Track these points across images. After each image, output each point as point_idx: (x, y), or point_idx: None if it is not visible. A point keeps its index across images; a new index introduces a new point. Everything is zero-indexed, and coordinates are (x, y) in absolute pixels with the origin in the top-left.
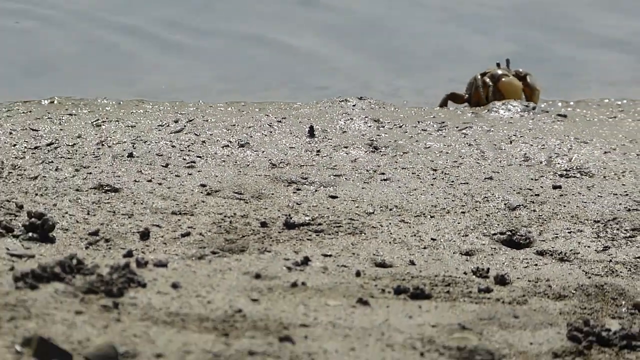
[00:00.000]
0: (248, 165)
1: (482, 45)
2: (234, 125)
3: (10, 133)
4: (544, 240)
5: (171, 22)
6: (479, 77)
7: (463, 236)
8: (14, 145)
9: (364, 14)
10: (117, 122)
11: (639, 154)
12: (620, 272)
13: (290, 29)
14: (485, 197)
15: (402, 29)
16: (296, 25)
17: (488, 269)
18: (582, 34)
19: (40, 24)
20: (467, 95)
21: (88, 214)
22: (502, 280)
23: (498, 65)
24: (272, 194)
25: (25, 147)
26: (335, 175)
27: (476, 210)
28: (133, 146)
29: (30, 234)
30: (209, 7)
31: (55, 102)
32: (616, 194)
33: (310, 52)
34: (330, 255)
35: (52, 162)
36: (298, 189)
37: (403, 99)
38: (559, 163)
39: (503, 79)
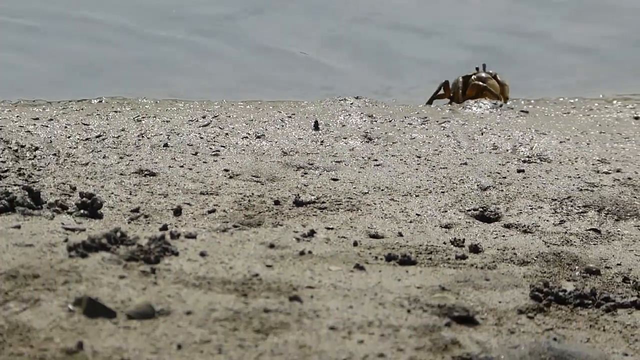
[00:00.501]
0: (263, 153)
1: (457, 53)
2: (252, 120)
3: (65, 127)
4: (510, 216)
5: (200, 33)
6: (460, 79)
7: (443, 212)
8: (69, 137)
9: (360, 28)
10: (154, 118)
11: (589, 143)
12: (574, 242)
13: (299, 40)
14: (461, 179)
15: (391, 39)
16: (304, 37)
17: (464, 239)
18: (542, 42)
19: (90, 34)
20: (452, 94)
21: (130, 194)
22: (475, 249)
23: (477, 69)
24: (284, 177)
25: (77, 138)
26: (336, 162)
27: (453, 190)
28: (168, 138)
29: (81, 211)
30: (231, 21)
31: (103, 101)
32: (570, 177)
33: (316, 59)
34: (332, 228)
35: (100, 151)
36: (305, 173)
37: (392, 98)
38: (522, 151)
39: (489, 80)
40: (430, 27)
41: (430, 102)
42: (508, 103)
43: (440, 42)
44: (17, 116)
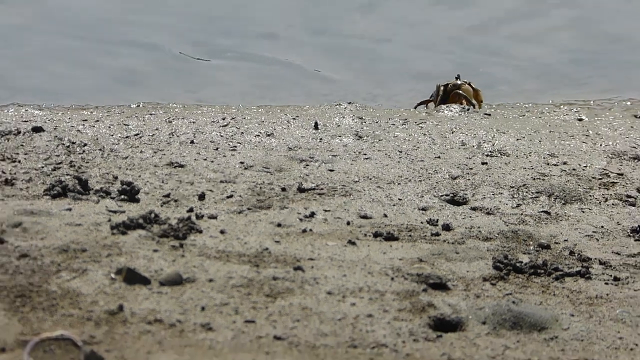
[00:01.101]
0: (272, 148)
1: (432, 64)
2: (263, 121)
3: (109, 127)
4: (475, 200)
5: (222, 48)
6: (442, 87)
7: (420, 197)
8: (112, 135)
9: (354, 44)
10: (182, 119)
11: (540, 140)
12: (529, 222)
13: (302, 54)
14: (435, 170)
15: (378, 55)
16: (306, 51)
17: (437, 219)
18: (503, 58)
19: (130, 50)
20: (432, 99)
21: (162, 182)
22: (447, 228)
23: (456, 78)
24: (289, 168)
25: (119, 136)
26: (332, 156)
27: (429, 179)
28: (193, 136)
29: (122, 196)
30: (247, 38)
31: (140, 105)
32: (525, 168)
33: (315, 70)
34: (329, 211)
35: (137, 147)
36: (307, 165)
37: (379, 103)
38: (485, 147)
39: (463, 86)
40: (411, 44)
41: (416, 107)
42: (476, 107)
43: (419, 57)
44: (69, 118)
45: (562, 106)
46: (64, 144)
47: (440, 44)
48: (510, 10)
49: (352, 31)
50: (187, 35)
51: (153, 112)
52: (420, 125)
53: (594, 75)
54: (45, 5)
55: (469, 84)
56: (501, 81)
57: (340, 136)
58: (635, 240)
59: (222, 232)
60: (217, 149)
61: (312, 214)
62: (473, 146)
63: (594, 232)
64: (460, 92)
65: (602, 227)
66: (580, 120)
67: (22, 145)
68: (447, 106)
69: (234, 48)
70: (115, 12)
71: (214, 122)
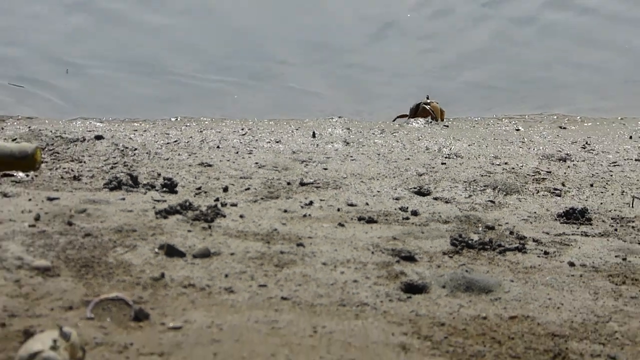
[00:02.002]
0: (280, 152)
1: (401, 89)
2: (273, 131)
3: (154, 135)
4: (437, 192)
5: (243, 74)
6: (415, 104)
7: (394, 190)
8: (156, 142)
9: (347, 72)
10: (210, 130)
11: (487, 145)
12: (478, 208)
13: (305, 79)
14: (405, 169)
15: (364, 80)
16: (307, 76)
17: (407, 207)
18: (457, 81)
19: (168, 77)
20: (409, 114)
21: (195, 178)
22: (415, 213)
23: (426, 97)
24: (293, 167)
25: (161, 143)
26: (326, 158)
27: (401, 176)
28: (219, 142)
29: (164, 189)
30: (261, 64)
31: (178, 119)
32: (475, 167)
33: (314, 92)
34: (323, 200)
35: (176, 150)
36: (306, 165)
37: (362, 117)
38: (444, 151)
39: (433, 103)
40: (389, 71)
41: (394, 120)
42: (437, 121)
43: (395, 82)
44: (123, 128)
45: (503, 119)
46: (119, 149)
47: (414, 73)
48: (464, 53)
49: (348, 61)
50: (216, 62)
51: (188, 124)
52: (394, 134)
53: (528, 95)
54: (106, 42)
55: (435, 103)
56: (456, 100)
57: (332, 142)
58: (561, 223)
59: (241, 216)
60: (237, 152)
61: (311, 203)
62: (435, 150)
63: (528, 216)
64: (427, 107)
65: (535, 212)
66: (517, 130)
67: (86, 149)
68: (414, 119)
69: (252, 73)
70: (158, 48)
71: (234, 131)
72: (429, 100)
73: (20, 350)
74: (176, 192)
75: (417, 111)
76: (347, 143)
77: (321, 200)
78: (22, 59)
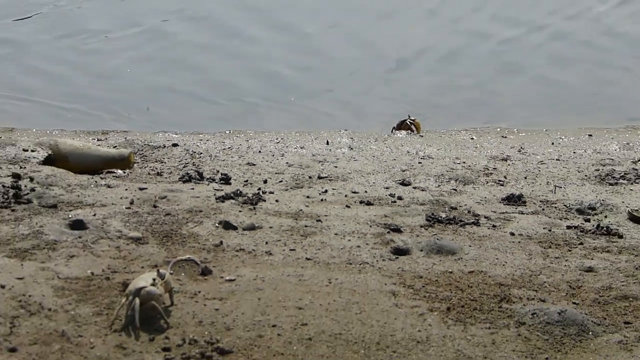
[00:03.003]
0: (303, 155)
1: (394, 109)
2: (298, 140)
3: (214, 143)
4: (415, 183)
5: (279, 99)
6: (401, 121)
7: (385, 181)
8: (215, 148)
9: (353, 99)
10: (253, 139)
11: (451, 150)
12: (445, 195)
13: (321, 104)
14: (392, 166)
15: (363, 105)
16: (324, 103)
17: (395, 194)
18: (428, 104)
19: (223, 98)
20: (396, 127)
21: (243, 173)
22: (400, 198)
23: (408, 116)
24: (313, 166)
25: (219, 148)
26: (336, 159)
27: (389, 171)
28: (260, 148)
29: (221, 182)
30: (291, 94)
31: (231, 131)
32: (442, 165)
33: (327, 113)
34: (335, 189)
35: (229, 154)
36: (323, 164)
37: (362, 129)
38: (420, 153)
39: (416, 120)
40: (384, 97)
41: (392, 131)
42: (415, 132)
43: (387, 105)
44: (192, 138)
45: (462, 131)
46: (189, 153)
47: (404, 98)
48: (432, 85)
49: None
50: (257, 90)
51: (238, 135)
52: (385, 142)
53: (479, 113)
54: (185, 66)
55: (415, 119)
56: (430, 115)
57: (340, 148)
58: (504, 204)
59: (276, 201)
60: (273, 155)
61: (326, 191)
62: (413, 153)
63: (480, 200)
64: (409, 123)
65: (485, 197)
66: (472, 139)
67: (166, 154)
68: (399, 132)
69: (285, 99)
70: (222, 74)
71: (271, 140)
72: (411, 118)
73: (129, 287)
74: (230, 184)
75: (402, 125)
76: (351, 148)
77: (333, 189)
78: (121, 88)
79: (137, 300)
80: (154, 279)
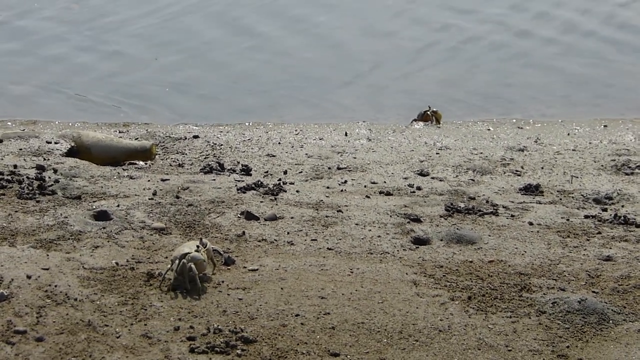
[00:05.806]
0: (323, 146)
1: (413, 102)
2: (317, 132)
3: (234, 135)
4: (434, 173)
5: (297, 93)
6: (422, 111)
7: (403, 172)
8: (235, 139)
9: (371, 92)
10: (273, 131)
11: (468, 141)
12: (463, 185)
13: (341, 97)
14: (411, 157)
15: (382, 97)
16: (343, 96)
17: (413, 184)
18: (444, 96)
19: (244, 94)
20: (417, 118)
21: (264, 164)
22: (419, 188)
23: (429, 106)
24: (332, 157)
25: (239, 140)
26: (355, 150)
27: (408, 162)
28: (280, 140)
29: (242, 173)
30: (313, 90)
31: (251, 123)
32: (460, 156)
33: (345, 105)
34: (354, 180)
35: (250, 145)
36: (341, 155)
37: (380, 121)
38: (438, 144)
39: (438, 111)
40: (403, 90)
41: (412, 122)
42: (433, 124)
43: (404, 97)
44: (213, 130)
45: (478, 122)
46: (210, 145)
47: (420, 90)
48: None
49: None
50: (277, 83)
51: (257, 127)
52: (403, 133)
53: (494, 105)
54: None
55: (436, 111)
56: (445, 109)
57: (359, 139)
58: (522, 194)
59: (297, 191)
60: (292, 146)
61: (345, 182)
62: (431, 144)
63: (498, 190)
64: (429, 114)
65: (503, 187)
66: (489, 130)
67: (187, 145)
68: (416, 122)
69: (305, 93)
70: (242, 67)
71: (290, 132)
72: (432, 108)
73: (174, 253)
74: (251, 175)
75: (424, 116)
76: (370, 140)
77: (352, 179)
78: (141, 81)
79: (187, 263)
80: (197, 246)
